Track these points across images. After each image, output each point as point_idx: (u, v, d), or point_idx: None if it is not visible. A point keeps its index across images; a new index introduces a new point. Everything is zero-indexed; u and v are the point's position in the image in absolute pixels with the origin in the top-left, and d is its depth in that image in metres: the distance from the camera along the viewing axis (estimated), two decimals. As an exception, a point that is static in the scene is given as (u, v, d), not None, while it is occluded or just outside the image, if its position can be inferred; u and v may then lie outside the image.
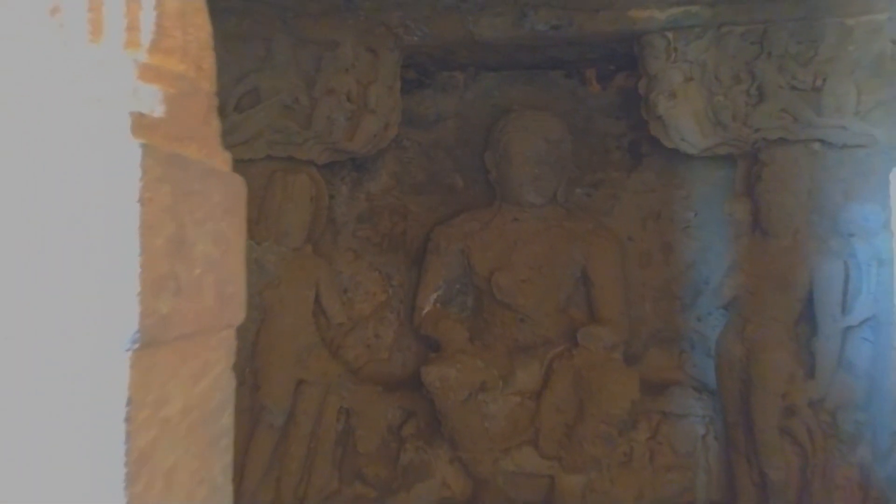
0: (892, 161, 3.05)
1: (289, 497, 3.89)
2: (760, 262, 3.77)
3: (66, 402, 1.13)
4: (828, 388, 3.62)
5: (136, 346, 1.11)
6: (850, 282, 3.58)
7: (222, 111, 2.37)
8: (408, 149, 4.44)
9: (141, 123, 1.14)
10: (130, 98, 1.17)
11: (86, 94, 1.14)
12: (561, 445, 3.86)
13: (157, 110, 1.19)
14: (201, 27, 1.32)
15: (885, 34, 3.45)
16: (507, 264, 4.11)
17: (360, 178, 4.42)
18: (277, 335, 3.85)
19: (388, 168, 4.44)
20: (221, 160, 1.41)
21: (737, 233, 3.93)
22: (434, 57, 4.16)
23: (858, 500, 3.56)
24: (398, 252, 4.45)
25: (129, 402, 1.10)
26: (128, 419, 1.10)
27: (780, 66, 3.59)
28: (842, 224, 3.61)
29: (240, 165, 1.58)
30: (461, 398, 3.79)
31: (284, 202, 3.88)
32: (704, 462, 3.98)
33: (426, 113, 4.43)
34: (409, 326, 4.36)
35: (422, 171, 4.47)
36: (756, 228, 3.82)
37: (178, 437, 1.23)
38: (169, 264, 1.18)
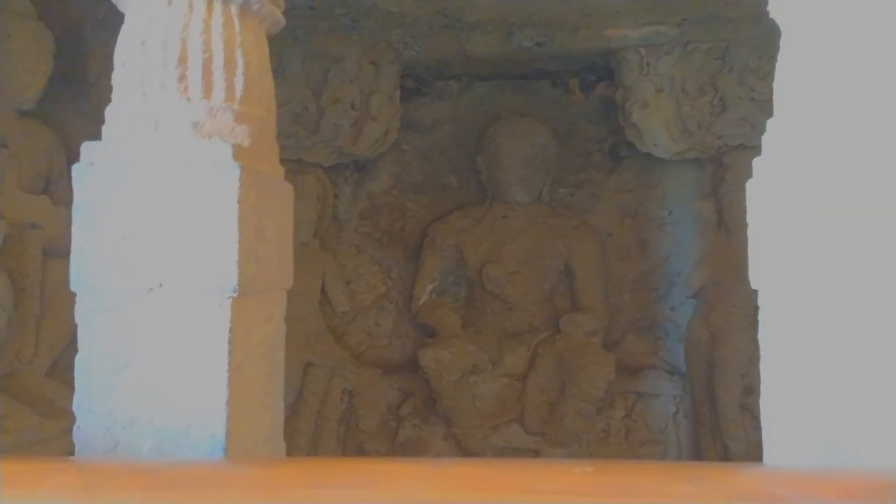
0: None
1: (297, 469, 4.57)
2: (724, 256, 4.41)
3: (198, 329, 1.87)
4: (783, 369, 4.29)
5: (235, 294, 1.86)
6: (802, 273, 4.25)
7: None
8: (406, 151, 5.10)
9: (238, 151, 1.89)
10: (230, 134, 1.91)
11: (203, 132, 1.89)
12: (545, 422, 4.54)
13: (246, 142, 1.94)
14: (268, 83, 2.08)
15: (835, 52, 4.11)
16: (497, 257, 4.78)
17: (362, 179, 5.07)
18: (288, 321, 4.53)
19: (388, 169, 5.10)
20: (279, 173, 2.16)
21: (704, 229, 4.61)
22: (430, 68, 4.83)
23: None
24: (397, 247, 5.11)
25: (231, 330, 1.85)
26: (229, 341, 1.85)
27: (741, 80, 4.21)
28: (796, 221, 4.28)
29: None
30: (454, 378, 4.49)
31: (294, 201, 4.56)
32: (675, 437, 4.63)
33: (423, 119, 5.10)
34: (406, 316, 5.03)
35: (419, 172, 5.13)
36: (721, 225, 4.50)
37: (256, 359, 1.98)
38: (253, 243, 1.92)
